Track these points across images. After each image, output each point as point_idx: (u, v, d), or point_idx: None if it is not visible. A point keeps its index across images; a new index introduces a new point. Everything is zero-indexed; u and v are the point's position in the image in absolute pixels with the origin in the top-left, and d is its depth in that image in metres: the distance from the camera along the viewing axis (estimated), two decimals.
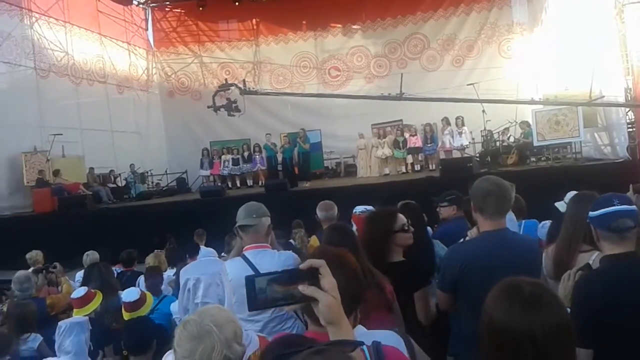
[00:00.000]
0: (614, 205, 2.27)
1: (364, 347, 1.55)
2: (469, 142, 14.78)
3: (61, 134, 14.60)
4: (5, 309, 4.99)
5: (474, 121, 14.56)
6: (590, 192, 2.85)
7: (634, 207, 2.32)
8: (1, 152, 14.08)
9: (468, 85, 13.77)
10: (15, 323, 4.31)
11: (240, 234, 3.06)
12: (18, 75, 14.97)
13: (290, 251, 3.62)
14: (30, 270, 6.14)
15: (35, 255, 7.13)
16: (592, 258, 2.59)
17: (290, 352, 1.27)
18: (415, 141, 15.50)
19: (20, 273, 5.39)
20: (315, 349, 1.20)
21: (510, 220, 3.50)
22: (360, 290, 1.68)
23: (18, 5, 15.14)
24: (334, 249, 1.78)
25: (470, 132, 14.80)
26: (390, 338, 1.77)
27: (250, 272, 2.81)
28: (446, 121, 15.04)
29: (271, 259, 2.97)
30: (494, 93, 13.14)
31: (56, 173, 14.45)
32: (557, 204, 3.48)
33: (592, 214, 2.35)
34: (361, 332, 1.71)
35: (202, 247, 6.88)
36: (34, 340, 4.28)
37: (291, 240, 6.93)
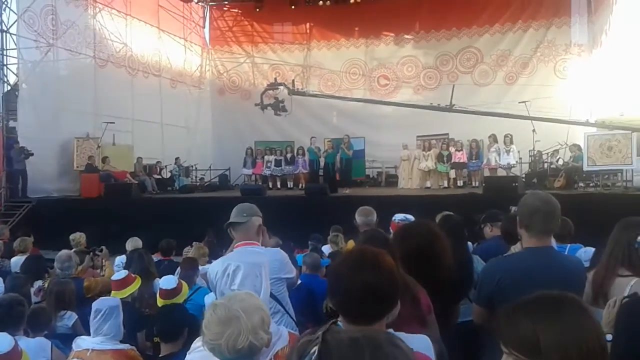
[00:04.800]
0: None
1: None
2: (516, 162, 14.35)
3: (113, 123, 15.06)
4: (46, 285, 5.12)
5: (523, 140, 14.27)
6: (638, 218, 2.72)
7: None
8: (55, 135, 14.60)
9: (520, 102, 13.47)
10: (55, 300, 4.39)
11: (232, 232, 3.15)
12: (78, 63, 15.51)
13: (279, 248, 3.81)
14: (73, 250, 6.24)
15: (78, 237, 7.24)
16: (631, 284, 2.47)
17: None
18: (460, 156, 15.21)
19: (63, 252, 5.50)
20: None
21: None
22: (394, 293, 1.65)
23: None
24: (373, 248, 1.76)
25: (519, 152, 14.40)
26: (420, 343, 1.73)
27: None
28: (493, 138, 14.67)
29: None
30: (546, 113, 12.79)
31: (105, 160, 14.88)
32: None
33: None
34: None
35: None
36: (70, 318, 4.35)
37: (325, 247, 6.88)
